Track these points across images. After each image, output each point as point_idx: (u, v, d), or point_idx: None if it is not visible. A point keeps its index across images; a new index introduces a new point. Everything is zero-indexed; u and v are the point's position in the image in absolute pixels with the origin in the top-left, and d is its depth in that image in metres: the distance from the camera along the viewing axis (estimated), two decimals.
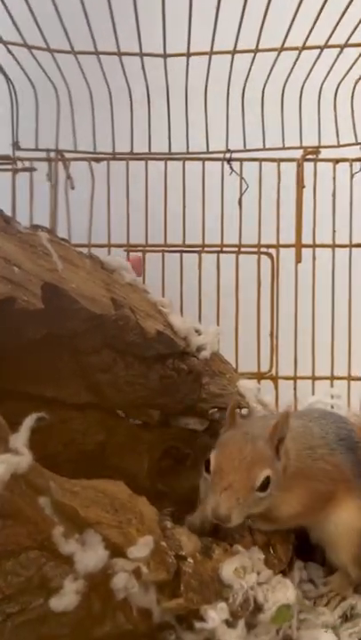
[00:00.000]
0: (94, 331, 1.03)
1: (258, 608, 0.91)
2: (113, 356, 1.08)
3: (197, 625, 0.84)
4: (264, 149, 1.51)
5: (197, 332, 1.24)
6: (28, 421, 0.73)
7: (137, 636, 0.83)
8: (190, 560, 0.87)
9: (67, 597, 0.73)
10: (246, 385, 1.30)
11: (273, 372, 1.55)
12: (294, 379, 1.53)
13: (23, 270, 0.86)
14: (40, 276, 0.89)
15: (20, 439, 0.71)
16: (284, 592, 0.94)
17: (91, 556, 0.75)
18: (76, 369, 1.09)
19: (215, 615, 0.85)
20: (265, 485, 0.92)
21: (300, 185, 1.51)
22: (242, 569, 0.92)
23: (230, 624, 0.86)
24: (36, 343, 1.00)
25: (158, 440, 1.22)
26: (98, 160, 1.52)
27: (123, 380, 1.10)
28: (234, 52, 1.41)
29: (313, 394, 1.50)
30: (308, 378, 1.53)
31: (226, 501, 0.89)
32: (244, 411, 1.29)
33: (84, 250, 1.36)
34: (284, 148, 1.51)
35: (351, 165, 1.49)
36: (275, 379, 1.55)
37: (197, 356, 1.21)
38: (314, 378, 1.53)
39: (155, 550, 0.81)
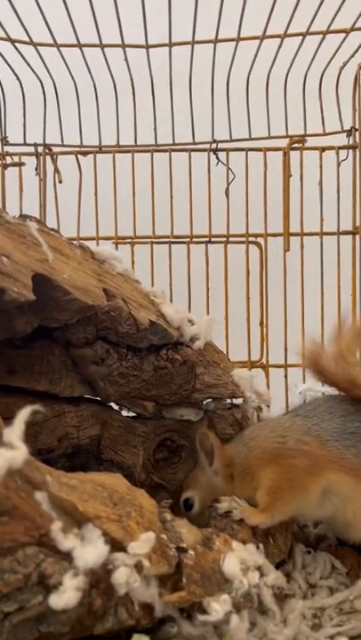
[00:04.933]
0: (86, 322, 1.01)
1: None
2: (106, 348, 1.07)
3: (200, 617, 0.82)
4: (250, 139, 1.52)
5: (190, 321, 1.22)
6: (23, 414, 0.71)
7: (138, 631, 0.81)
8: (191, 552, 0.86)
9: (67, 594, 0.70)
10: (241, 374, 1.29)
11: (264, 360, 1.56)
12: (285, 367, 1.54)
13: (12, 261, 0.83)
14: (30, 267, 0.86)
15: (14, 433, 0.70)
16: None
17: (90, 551, 0.73)
18: (69, 362, 1.07)
19: (219, 607, 0.83)
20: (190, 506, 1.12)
21: (286, 174, 1.51)
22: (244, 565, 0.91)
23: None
24: (28, 337, 0.99)
25: (153, 432, 1.21)
26: (84, 153, 1.52)
27: (117, 372, 1.09)
28: (216, 40, 1.41)
29: (304, 381, 1.50)
30: (298, 365, 1.53)
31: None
32: (238, 400, 1.30)
33: None
34: (270, 138, 1.52)
35: (338, 153, 1.49)
36: (265, 367, 1.56)
37: (191, 345, 1.19)
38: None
39: (156, 544, 0.80)
